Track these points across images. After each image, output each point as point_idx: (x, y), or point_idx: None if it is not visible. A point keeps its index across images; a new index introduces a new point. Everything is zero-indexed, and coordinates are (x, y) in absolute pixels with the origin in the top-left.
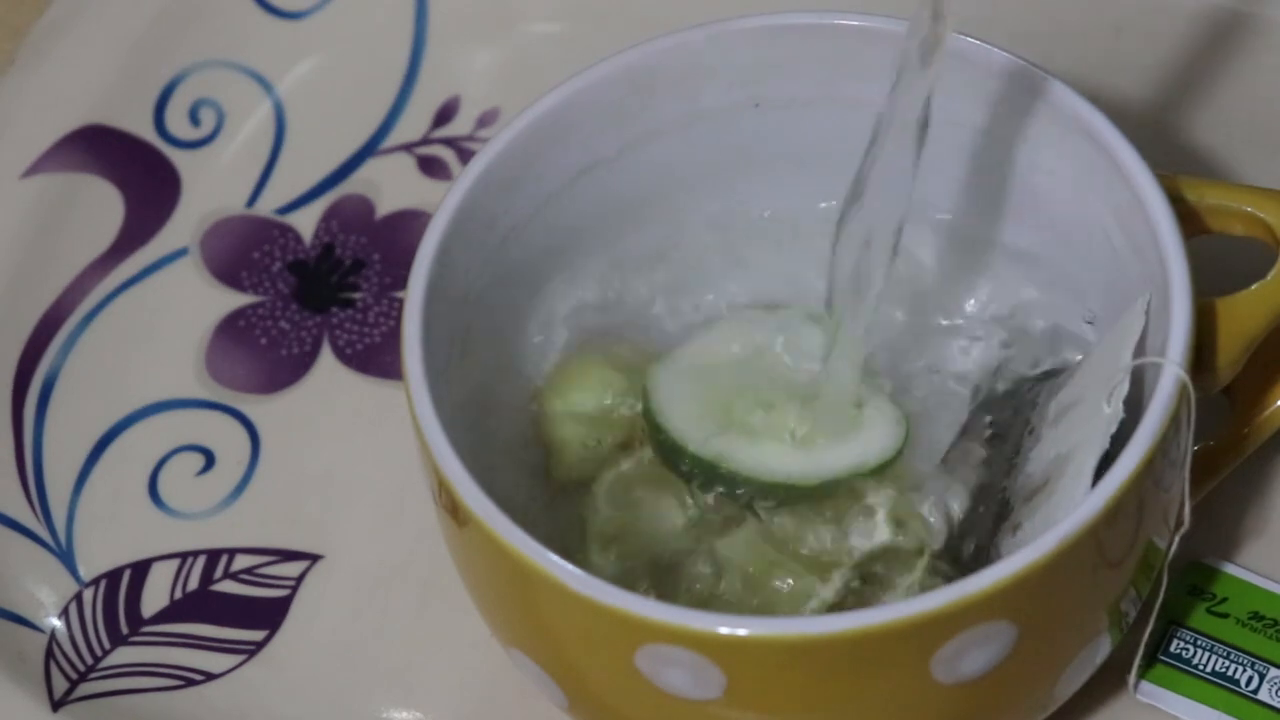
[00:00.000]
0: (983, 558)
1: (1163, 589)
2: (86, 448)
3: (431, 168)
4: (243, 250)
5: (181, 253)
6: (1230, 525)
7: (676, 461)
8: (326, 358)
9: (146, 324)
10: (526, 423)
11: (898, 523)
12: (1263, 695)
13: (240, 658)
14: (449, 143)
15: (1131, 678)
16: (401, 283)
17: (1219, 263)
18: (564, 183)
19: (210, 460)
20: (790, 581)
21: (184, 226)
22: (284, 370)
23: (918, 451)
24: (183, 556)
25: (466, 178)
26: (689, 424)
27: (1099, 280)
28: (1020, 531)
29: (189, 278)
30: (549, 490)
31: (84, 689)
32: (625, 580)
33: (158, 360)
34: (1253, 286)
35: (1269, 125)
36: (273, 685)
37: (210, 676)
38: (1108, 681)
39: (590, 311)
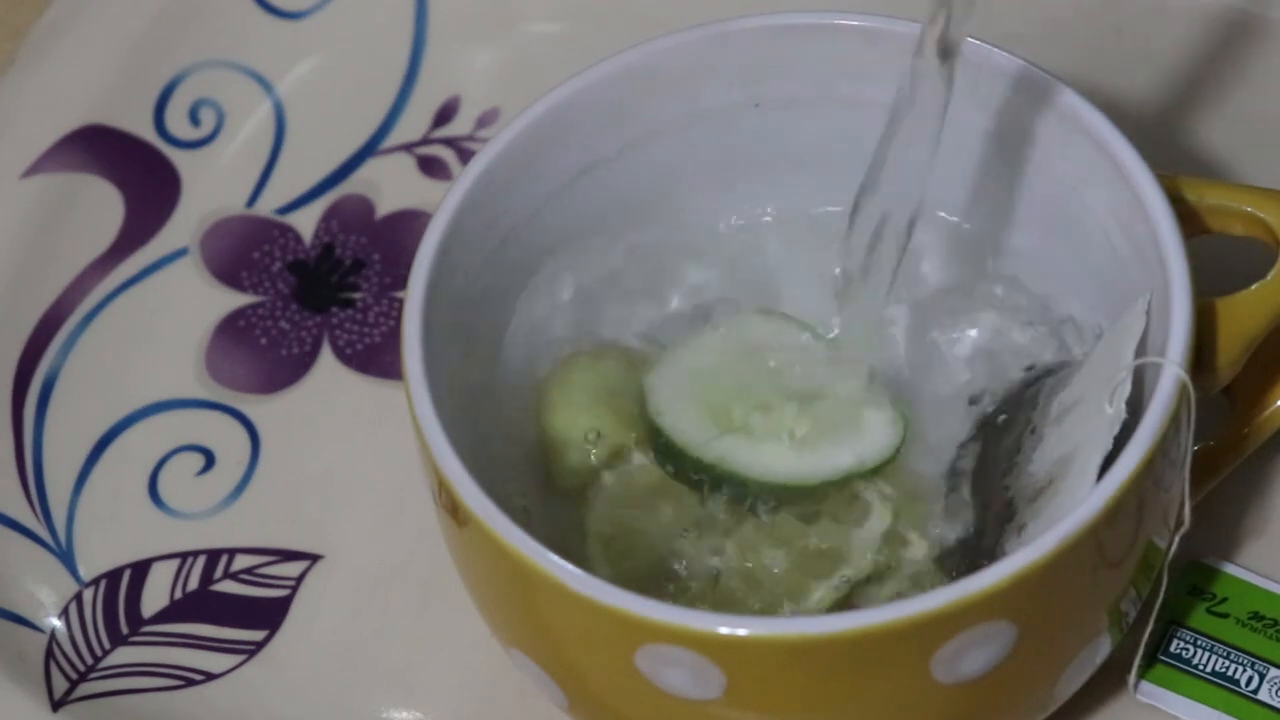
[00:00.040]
0: (988, 558)
1: (1163, 589)
2: (86, 448)
3: (431, 168)
4: (243, 250)
5: (181, 253)
6: (1230, 525)
7: (676, 464)
8: (326, 358)
9: (146, 324)
10: (526, 423)
11: (897, 522)
12: (1263, 695)
13: (240, 658)
14: (449, 143)
15: (1131, 678)
16: (401, 283)
17: (1219, 263)
18: (564, 183)
19: (210, 460)
20: (790, 581)
21: (184, 226)
22: (284, 370)
23: (919, 451)
24: (183, 556)
25: (466, 178)
26: (689, 426)
27: (1099, 280)
28: (1025, 532)
29: (189, 278)
30: (548, 490)
31: (84, 689)
32: (624, 580)
33: (158, 360)
34: (1253, 286)
35: (1269, 125)
36: (273, 685)
37: (210, 676)
38: (1108, 682)
39: (590, 312)
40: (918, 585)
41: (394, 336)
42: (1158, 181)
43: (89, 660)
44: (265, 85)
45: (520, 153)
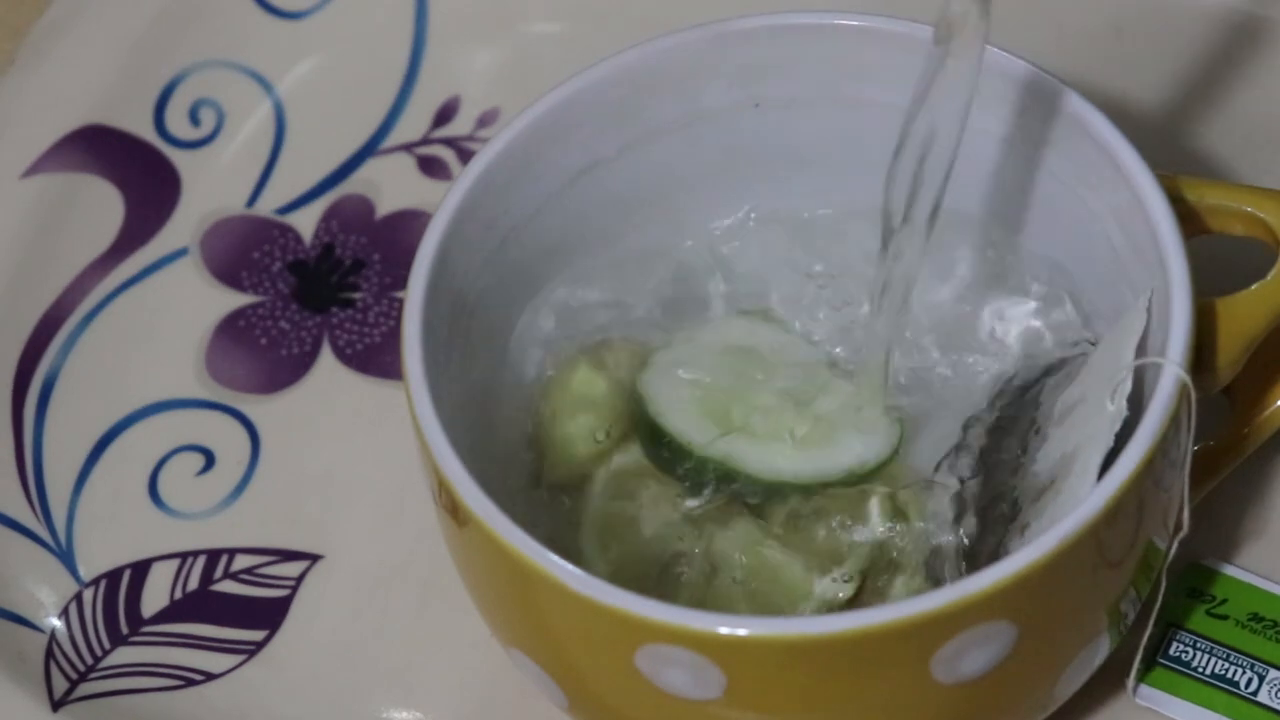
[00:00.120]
0: (991, 558)
1: (1161, 592)
2: (86, 448)
3: (431, 168)
4: (243, 250)
5: (181, 253)
6: (1230, 526)
7: (680, 464)
8: (326, 358)
9: (146, 324)
10: (526, 422)
11: (898, 521)
12: (1262, 697)
13: (240, 658)
14: (449, 143)
15: (1130, 682)
16: (401, 283)
17: (1219, 263)
18: (564, 183)
19: (210, 460)
20: (789, 580)
21: (184, 226)
22: (284, 370)
23: (920, 451)
24: (183, 556)
25: (466, 178)
26: (690, 427)
27: (1099, 280)
28: (1028, 531)
29: (189, 278)
30: (547, 490)
31: (84, 689)
32: (622, 579)
33: (158, 360)
34: (1253, 286)
35: (1269, 125)
36: (273, 685)
37: (210, 676)
38: (1107, 685)
39: (590, 312)
40: (918, 585)
41: (394, 336)
42: (1158, 181)
43: (89, 660)
44: (265, 85)
45: (520, 153)
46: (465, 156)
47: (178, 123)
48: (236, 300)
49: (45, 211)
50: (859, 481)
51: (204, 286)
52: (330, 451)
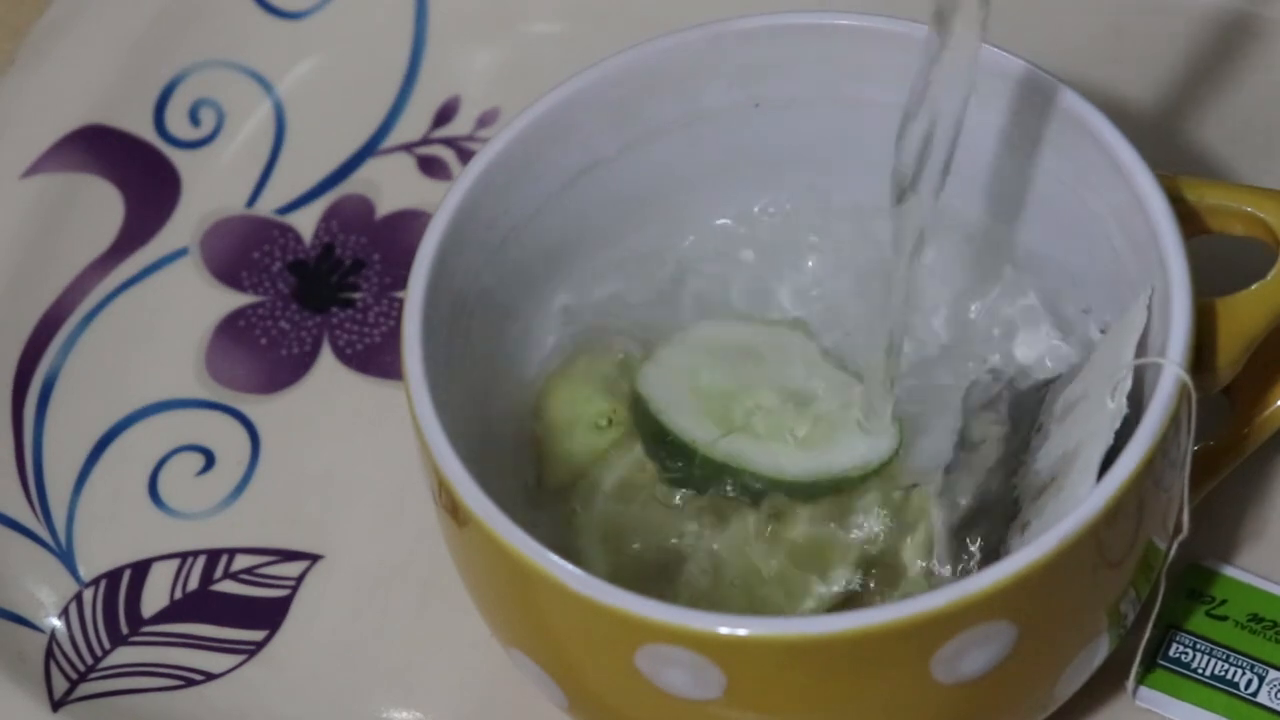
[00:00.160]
0: (993, 557)
1: (1160, 595)
2: (86, 448)
3: (431, 168)
4: (243, 250)
5: (181, 253)
6: (1230, 527)
7: (683, 463)
8: (326, 358)
9: (146, 324)
10: (526, 422)
11: (898, 521)
12: (1262, 698)
13: (240, 658)
14: (449, 143)
15: (1130, 683)
16: (401, 283)
17: (1219, 263)
18: (564, 183)
19: (210, 460)
20: (789, 580)
21: (184, 226)
22: (284, 370)
23: (921, 451)
24: (183, 556)
25: (466, 178)
26: (692, 426)
27: (1099, 280)
28: (1029, 530)
29: (189, 278)
30: (547, 490)
31: (84, 689)
32: (622, 579)
33: (158, 360)
34: (1253, 286)
35: (1269, 125)
36: (273, 685)
37: (210, 676)
38: (1107, 687)
39: (590, 312)
40: (918, 585)
41: (394, 336)
42: (1158, 181)
43: (89, 660)
44: (265, 85)
45: (520, 153)
46: (465, 156)
47: (178, 123)
48: (236, 300)
49: (45, 211)
50: (860, 481)
51: (204, 286)
52: (330, 451)
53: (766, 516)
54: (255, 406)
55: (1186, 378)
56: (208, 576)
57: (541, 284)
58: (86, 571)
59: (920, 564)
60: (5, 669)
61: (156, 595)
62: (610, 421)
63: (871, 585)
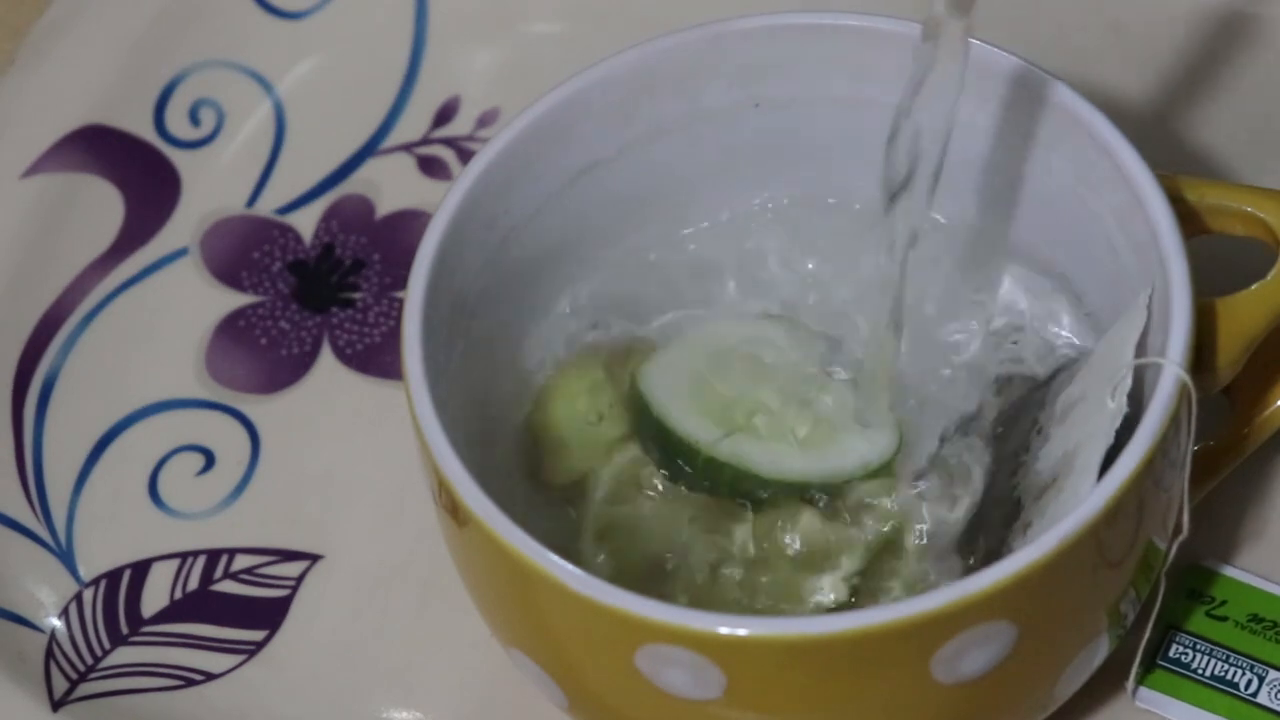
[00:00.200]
0: (994, 558)
1: (1160, 596)
2: (86, 448)
3: (431, 168)
4: (243, 250)
5: (181, 253)
6: (1230, 527)
7: (685, 463)
8: (326, 358)
9: (146, 324)
10: (526, 423)
11: (899, 521)
12: (1262, 698)
13: (240, 658)
14: (449, 143)
15: (1130, 684)
16: (401, 283)
17: (1219, 263)
18: (564, 183)
19: (210, 460)
20: (788, 580)
21: (184, 226)
22: (284, 370)
23: (922, 452)
24: (183, 556)
25: (466, 178)
26: (694, 426)
27: (1099, 280)
28: (1030, 530)
29: (189, 278)
30: (547, 490)
31: (84, 689)
32: (622, 579)
33: (158, 360)
34: (1253, 286)
35: (1269, 125)
36: (273, 685)
37: (210, 676)
38: (1107, 688)
39: (590, 311)
40: (918, 585)
41: (394, 336)
42: (1158, 181)
43: (89, 660)
44: (265, 85)
45: (520, 153)
46: (465, 156)
47: (178, 123)
48: (236, 300)
49: (45, 211)
50: (862, 482)
51: (204, 286)
52: (330, 451)
53: (766, 516)
54: (255, 406)
55: (1186, 378)
56: (208, 576)
57: (541, 284)
58: (86, 571)
59: (920, 564)
60: (5, 669)
61: (156, 595)
62: (601, 417)
63: (871, 585)
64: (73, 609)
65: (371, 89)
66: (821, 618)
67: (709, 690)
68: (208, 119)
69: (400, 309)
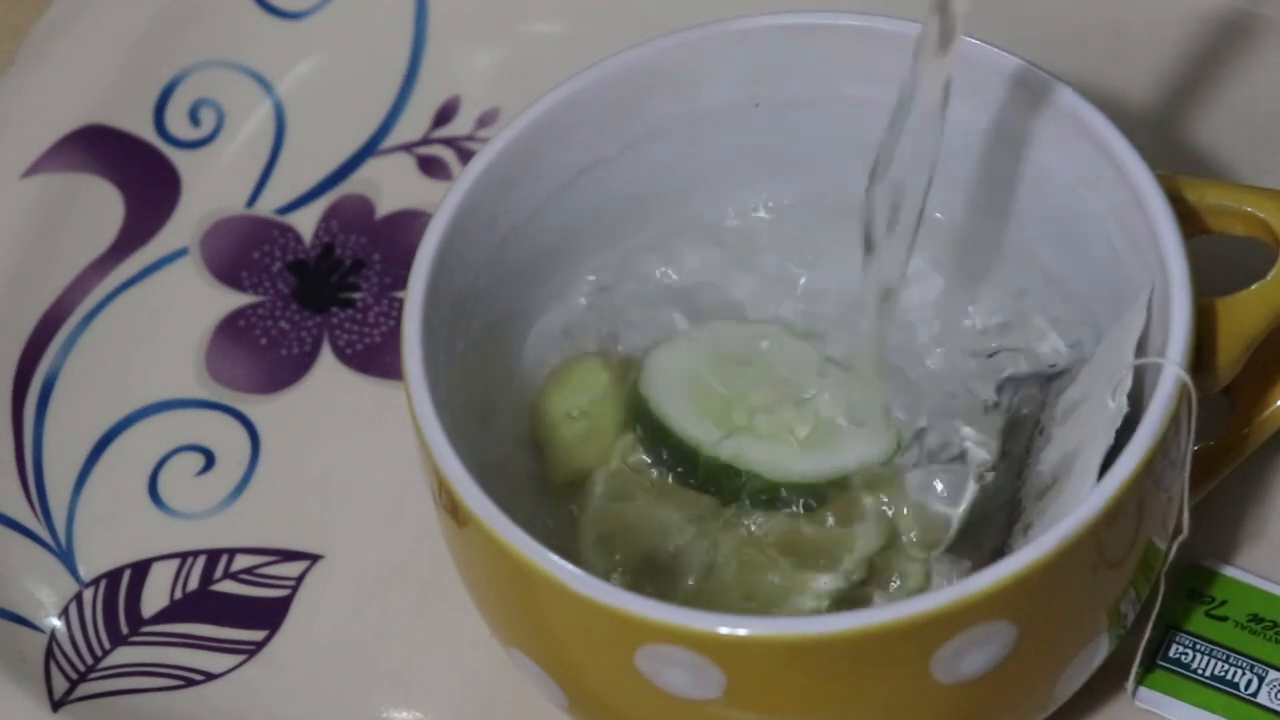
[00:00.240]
0: (996, 558)
1: (1160, 596)
2: (86, 448)
3: (431, 168)
4: (243, 250)
5: (181, 253)
6: (1230, 527)
7: (686, 464)
8: (326, 358)
9: (146, 324)
10: (526, 422)
11: (898, 521)
12: (1262, 698)
13: (240, 658)
14: (449, 143)
15: (1130, 684)
16: (401, 283)
17: (1219, 263)
18: (564, 183)
19: (210, 460)
20: (788, 581)
21: (184, 226)
22: (284, 370)
23: (921, 452)
24: (183, 556)
25: (466, 178)
26: (694, 427)
27: (1099, 280)
28: (1031, 531)
29: (189, 278)
30: (547, 490)
31: (84, 689)
32: (620, 578)
33: (158, 360)
34: (1253, 286)
35: (1269, 125)
36: (273, 685)
37: (210, 676)
38: (1107, 688)
39: (590, 311)
40: (918, 585)
41: (394, 336)
42: (1158, 181)
43: (89, 660)
44: (265, 85)
45: (520, 153)
46: (465, 156)
47: (178, 123)
48: (236, 300)
49: (45, 211)
50: (861, 482)
51: (204, 286)
52: (330, 451)
53: (766, 516)
54: (255, 406)
55: (1186, 378)
56: (208, 576)
57: (541, 284)
58: (86, 571)
59: (920, 564)
60: (5, 669)
61: (156, 595)
62: (600, 418)
63: (871, 585)
64: (73, 609)
65: (371, 89)
66: (821, 618)
67: (709, 690)
68: (208, 119)
69: (400, 309)
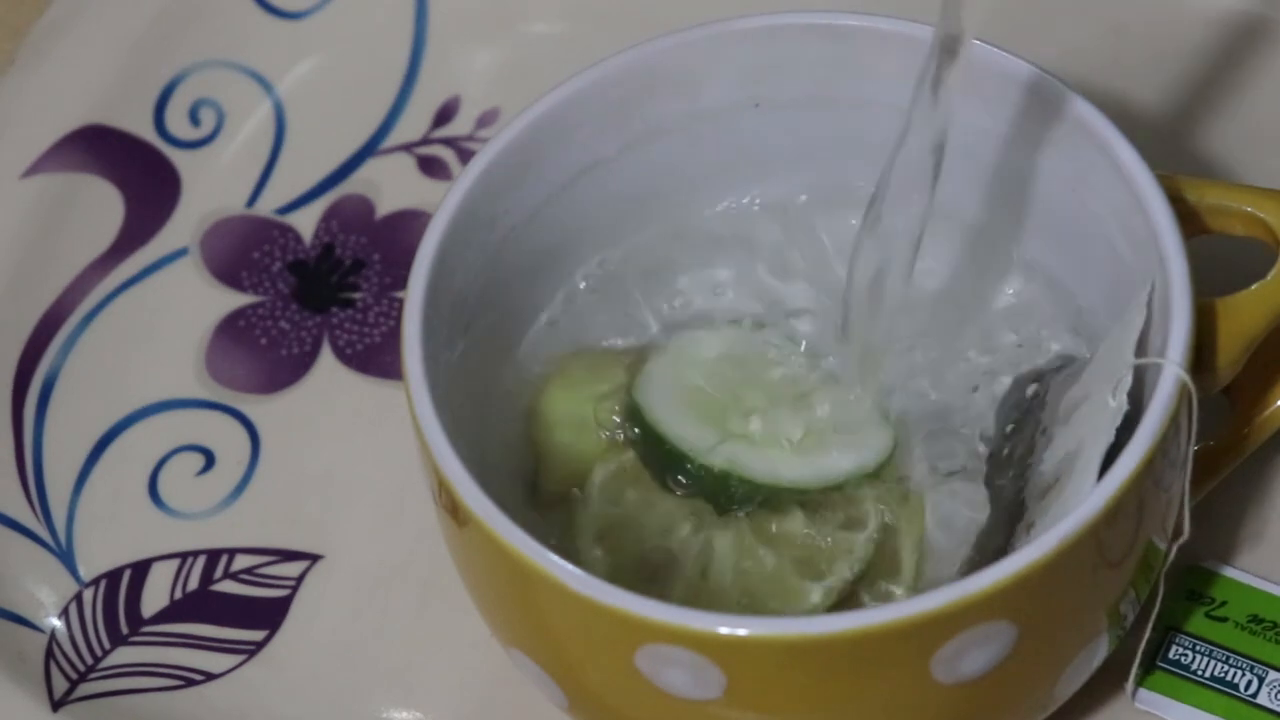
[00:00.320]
0: (999, 558)
1: (1159, 598)
2: (86, 448)
3: (431, 168)
4: (243, 250)
5: (181, 253)
6: (1229, 528)
7: (679, 471)
8: (326, 358)
9: (146, 324)
10: (526, 422)
11: (897, 522)
12: (1262, 699)
13: (240, 658)
14: (449, 143)
15: (1130, 685)
16: (401, 283)
17: (1219, 263)
18: (564, 182)
19: (210, 460)
20: (786, 582)
21: (184, 226)
22: (284, 370)
23: (918, 454)
24: (183, 556)
25: (466, 178)
26: (688, 433)
27: (1099, 280)
28: (1034, 530)
29: (189, 278)
30: (545, 492)
31: (84, 689)
32: (619, 578)
33: (158, 360)
34: (1253, 286)
35: (1269, 125)
36: (273, 685)
37: (210, 676)
38: (1106, 689)
39: (589, 312)
40: (917, 585)
41: (394, 336)
42: (1158, 181)
43: (89, 660)
44: (265, 85)
45: (520, 153)
46: (465, 156)
47: (178, 123)
48: (236, 300)
49: (45, 211)
50: (857, 485)
51: (204, 286)
52: (330, 451)
53: (764, 516)
54: (255, 406)
55: (1186, 378)
56: (208, 576)
57: (541, 284)
58: (86, 571)
59: (920, 564)
60: (5, 669)
61: (156, 595)
62: (598, 421)
63: (870, 585)
64: (73, 609)
65: (371, 89)
66: (821, 618)
67: (709, 690)
68: (208, 119)
69: (400, 309)
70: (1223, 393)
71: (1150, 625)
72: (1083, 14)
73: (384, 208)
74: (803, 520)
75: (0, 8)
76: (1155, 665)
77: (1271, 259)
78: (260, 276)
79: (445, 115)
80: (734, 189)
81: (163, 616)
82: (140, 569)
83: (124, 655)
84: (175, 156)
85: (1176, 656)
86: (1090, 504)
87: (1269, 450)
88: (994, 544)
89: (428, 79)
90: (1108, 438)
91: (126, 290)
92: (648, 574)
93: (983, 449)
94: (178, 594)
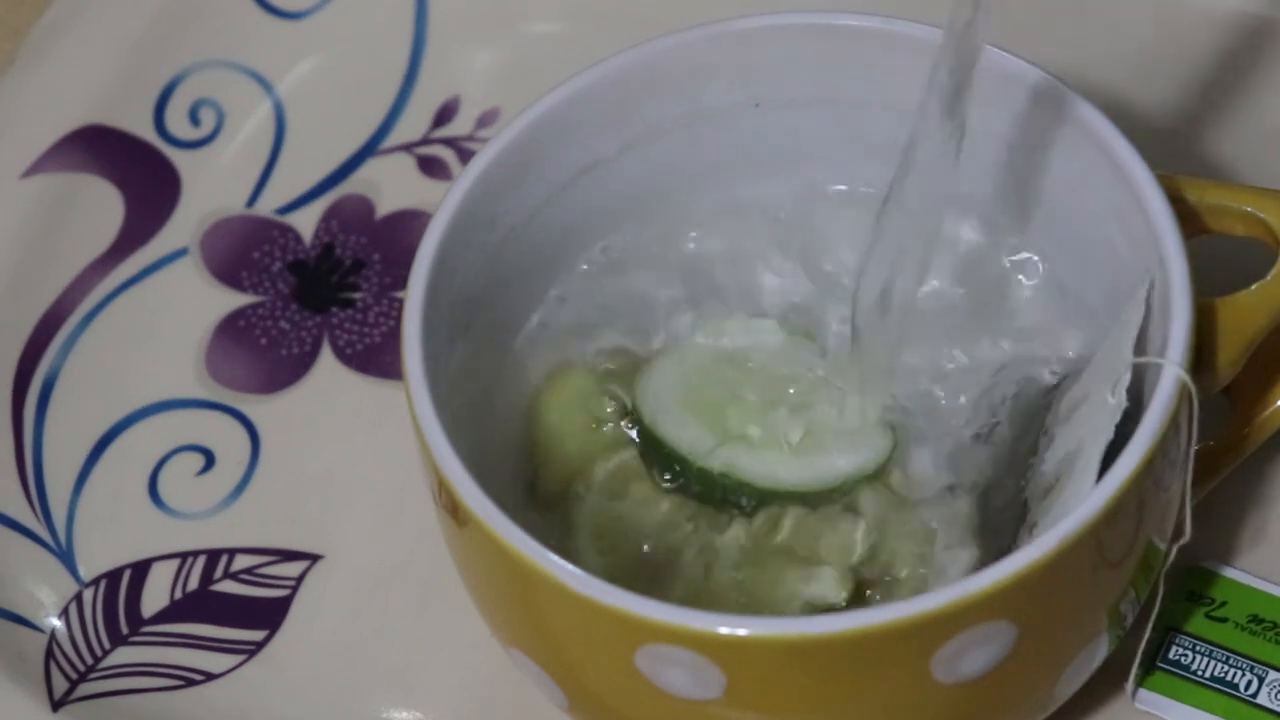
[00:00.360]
0: (1001, 558)
1: (1159, 598)
2: (86, 448)
3: (431, 168)
4: (243, 250)
5: (181, 253)
6: (1229, 528)
7: (678, 473)
8: (326, 358)
9: (146, 324)
10: (525, 423)
11: (896, 524)
12: (1262, 699)
13: (240, 658)
14: (449, 143)
15: (1129, 686)
16: (401, 283)
17: (1219, 263)
18: (564, 183)
19: (210, 460)
20: (786, 582)
21: (184, 226)
22: (284, 370)
23: (918, 456)
24: (183, 556)
25: (466, 178)
26: (686, 435)
27: (1099, 280)
28: (1036, 530)
29: (189, 278)
30: (545, 492)
31: (84, 689)
32: (619, 579)
33: (158, 360)
34: (1253, 286)
35: (1269, 125)
36: (273, 685)
37: (210, 676)
38: (1106, 690)
39: (589, 312)
40: (917, 585)
41: (394, 336)
42: (1158, 181)
43: (89, 660)
44: (265, 85)
45: (520, 153)
46: (465, 156)
47: (178, 123)
48: (236, 300)
49: (45, 211)
50: (857, 486)
51: (204, 286)
52: (330, 451)
53: (764, 516)
54: (255, 406)
55: (1187, 378)
56: (208, 576)
57: (542, 284)
58: (86, 571)
59: (919, 565)
60: (5, 669)
61: (156, 595)
62: (597, 422)
63: (870, 586)
64: (73, 609)
65: (371, 89)
66: (821, 618)
67: (709, 690)
68: (208, 119)
69: (400, 309)
70: (1223, 393)
71: (1150, 625)
72: (1083, 14)
73: (384, 208)
74: (803, 520)
75: (0, 8)
76: (1155, 665)
77: (1271, 259)
78: (260, 276)
79: (445, 115)
80: (734, 189)
81: (163, 616)
82: (140, 569)
83: (124, 655)
84: (175, 156)
85: (1176, 657)
86: (1090, 504)
87: (1269, 450)
88: (996, 545)
89: (428, 79)
90: (1107, 436)
91: (126, 290)
92: (648, 574)
93: (983, 449)
94: (178, 594)
